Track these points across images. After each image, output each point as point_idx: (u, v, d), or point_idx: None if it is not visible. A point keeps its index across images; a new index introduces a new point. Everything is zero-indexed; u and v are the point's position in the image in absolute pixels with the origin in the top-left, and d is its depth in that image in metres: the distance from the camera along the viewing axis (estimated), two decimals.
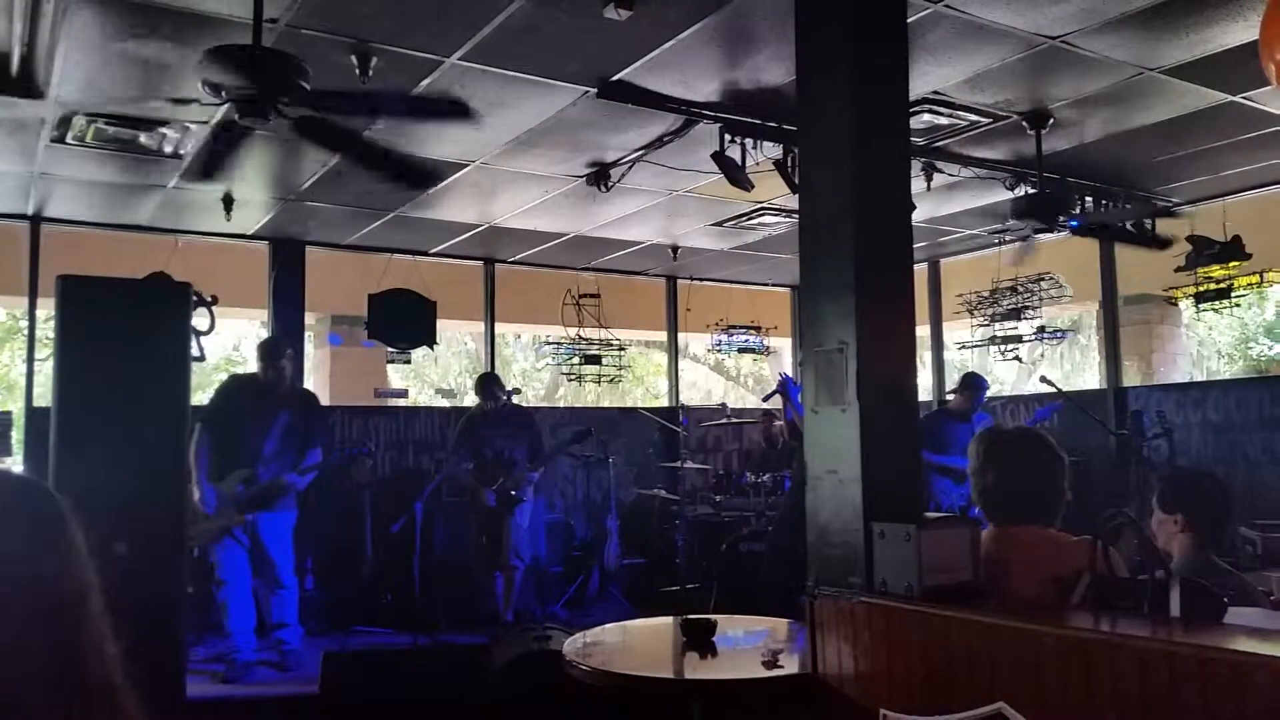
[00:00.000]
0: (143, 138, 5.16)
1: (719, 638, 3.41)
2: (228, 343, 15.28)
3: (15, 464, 6.86)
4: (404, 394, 8.65)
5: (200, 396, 6.15)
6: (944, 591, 2.39)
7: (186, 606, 4.37)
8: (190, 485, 5.39)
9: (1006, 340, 7.87)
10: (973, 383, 7.14)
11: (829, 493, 2.76)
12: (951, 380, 8.61)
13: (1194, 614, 2.13)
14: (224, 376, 15.07)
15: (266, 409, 5.70)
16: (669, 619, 3.90)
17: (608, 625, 3.86)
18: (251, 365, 5.99)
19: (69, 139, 5.15)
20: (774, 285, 9.93)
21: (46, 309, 5.98)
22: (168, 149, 5.34)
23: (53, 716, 0.99)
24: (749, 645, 3.58)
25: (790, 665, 3.02)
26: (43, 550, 1.07)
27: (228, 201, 6.32)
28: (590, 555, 7.59)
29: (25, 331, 6.88)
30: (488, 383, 6.90)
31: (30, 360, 6.71)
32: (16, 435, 6.68)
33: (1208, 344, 15.82)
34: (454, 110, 4.62)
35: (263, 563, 5.64)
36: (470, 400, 7.24)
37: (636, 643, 3.78)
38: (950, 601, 2.34)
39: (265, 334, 7.66)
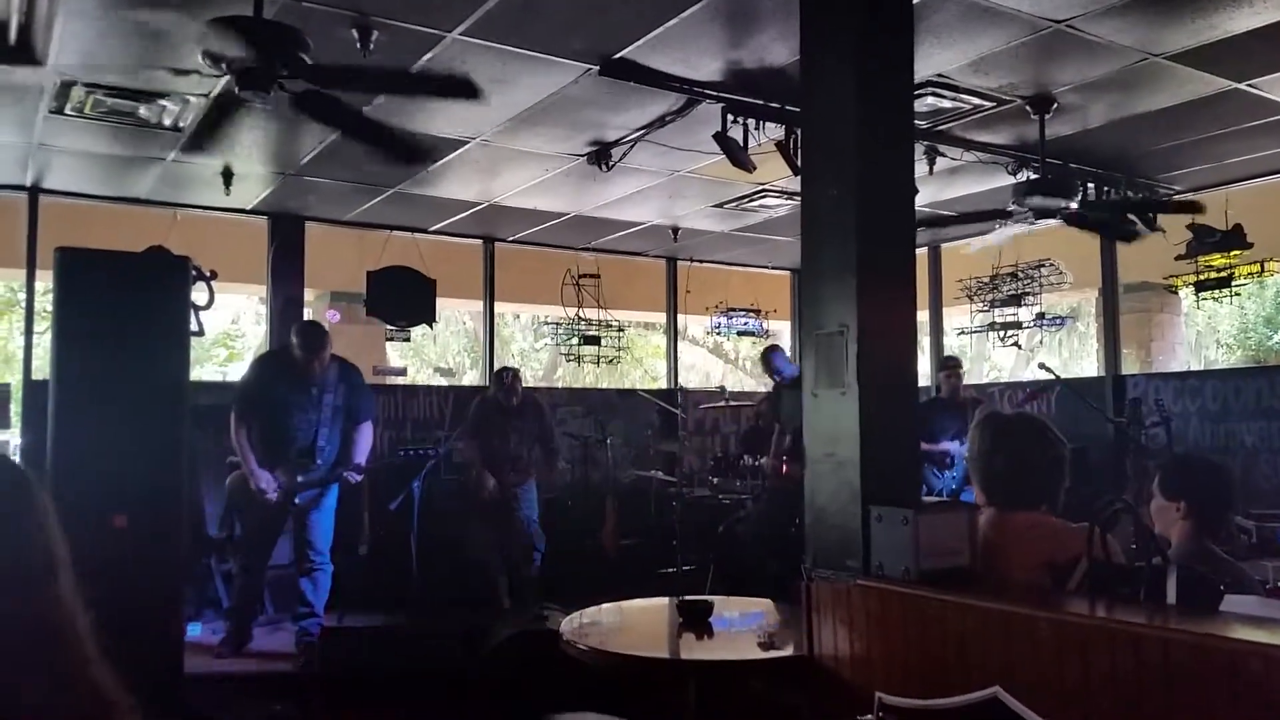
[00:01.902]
0: (142, 109, 5.13)
1: (715, 619, 3.42)
2: (226, 318, 15.24)
3: (14, 436, 6.86)
4: (403, 372, 8.65)
5: (199, 371, 6.11)
6: (940, 575, 2.40)
7: (186, 579, 4.38)
8: (244, 472, 5.39)
9: (1006, 326, 7.87)
10: (949, 362, 7.29)
11: (827, 475, 2.76)
12: None
13: (1190, 601, 2.13)
14: (221, 352, 15.15)
15: (311, 393, 5.53)
16: (665, 600, 3.92)
17: (604, 605, 3.87)
18: (250, 343, 5.92)
19: (68, 110, 5.12)
20: (774, 268, 9.91)
21: (45, 281, 5.96)
22: (167, 121, 5.31)
23: (23, 693, 0.98)
24: (745, 627, 3.60)
25: (786, 647, 3.04)
26: (9, 523, 1.06)
27: (227, 176, 6.29)
28: (587, 536, 7.60)
29: (23, 304, 6.86)
30: (506, 374, 6.83)
31: (29, 332, 6.69)
32: (15, 408, 6.67)
33: (1207, 333, 15.82)
34: (460, 88, 4.56)
35: (301, 543, 5.57)
36: (469, 380, 7.23)
37: (633, 623, 3.79)
38: (946, 585, 2.35)
39: (264, 310, 7.64)
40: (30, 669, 0.99)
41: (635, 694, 3.36)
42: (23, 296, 6.89)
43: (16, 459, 6.56)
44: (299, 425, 5.50)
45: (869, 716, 2.37)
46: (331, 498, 5.69)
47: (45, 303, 7.44)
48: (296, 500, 5.50)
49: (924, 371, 8.81)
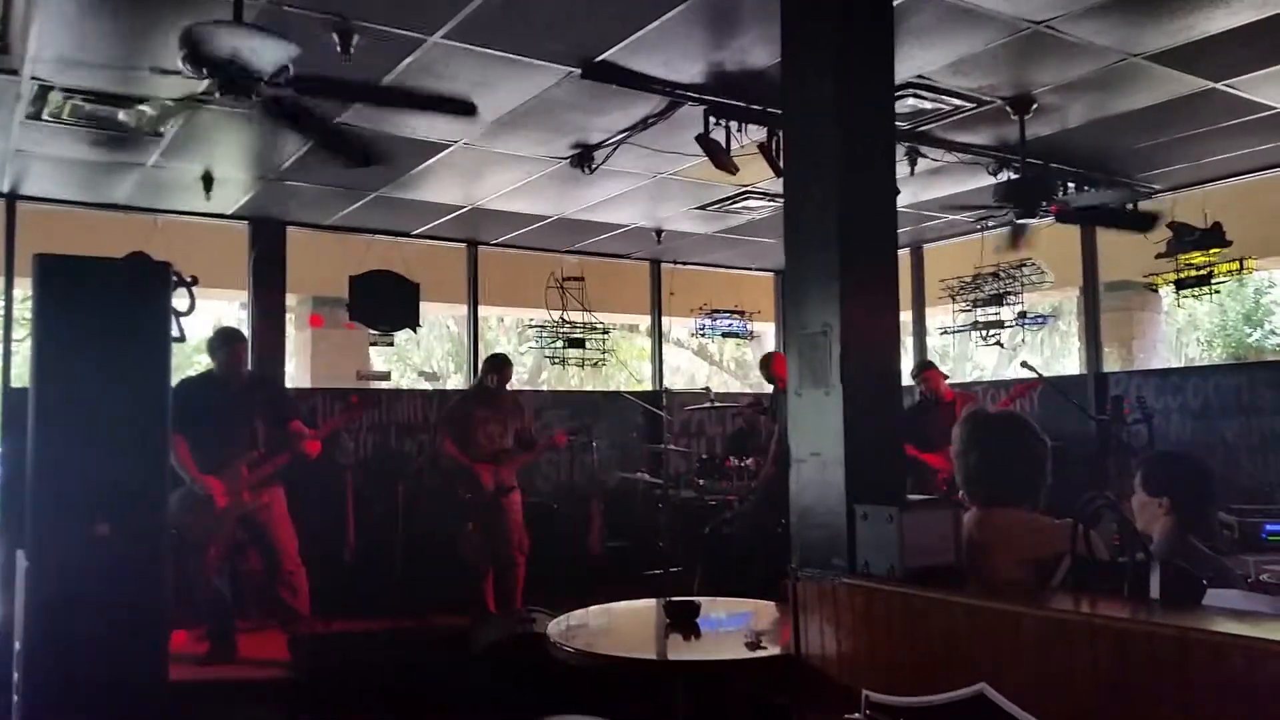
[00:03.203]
0: (121, 114, 5.09)
1: (702, 619, 3.42)
2: (207, 324, 15.13)
3: None
4: (387, 376, 8.61)
5: (180, 379, 6.05)
6: (926, 573, 2.41)
7: (169, 588, 4.34)
8: (189, 485, 5.35)
9: (988, 326, 7.91)
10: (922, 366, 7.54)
11: (812, 475, 2.77)
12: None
13: (1174, 596, 2.15)
14: (203, 359, 15.02)
15: (238, 400, 5.62)
16: (652, 601, 3.92)
17: (591, 607, 3.87)
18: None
19: (45, 115, 5.07)
20: (757, 270, 9.93)
21: (24, 288, 5.90)
22: (146, 126, 5.27)
23: None
24: (732, 627, 3.60)
25: (773, 646, 3.04)
26: None
27: (207, 181, 6.25)
28: (573, 538, 7.59)
29: (2, 311, 6.80)
30: (496, 364, 6.77)
31: (7, 340, 6.63)
32: None
33: (1187, 330, 15.96)
34: (455, 106, 4.51)
35: (269, 554, 5.60)
36: (453, 384, 7.19)
37: (620, 624, 3.79)
38: (932, 583, 2.36)
39: (245, 316, 7.61)
40: None
41: (623, 695, 3.36)
42: (1, 304, 6.83)
43: None
44: (231, 430, 5.56)
45: (856, 715, 2.38)
46: (281, 503, 5.68)
47: (24, 310, 7.37)
48: (247, 500, 5.48)
49: (906, 371, 8.84)
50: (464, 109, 4.30)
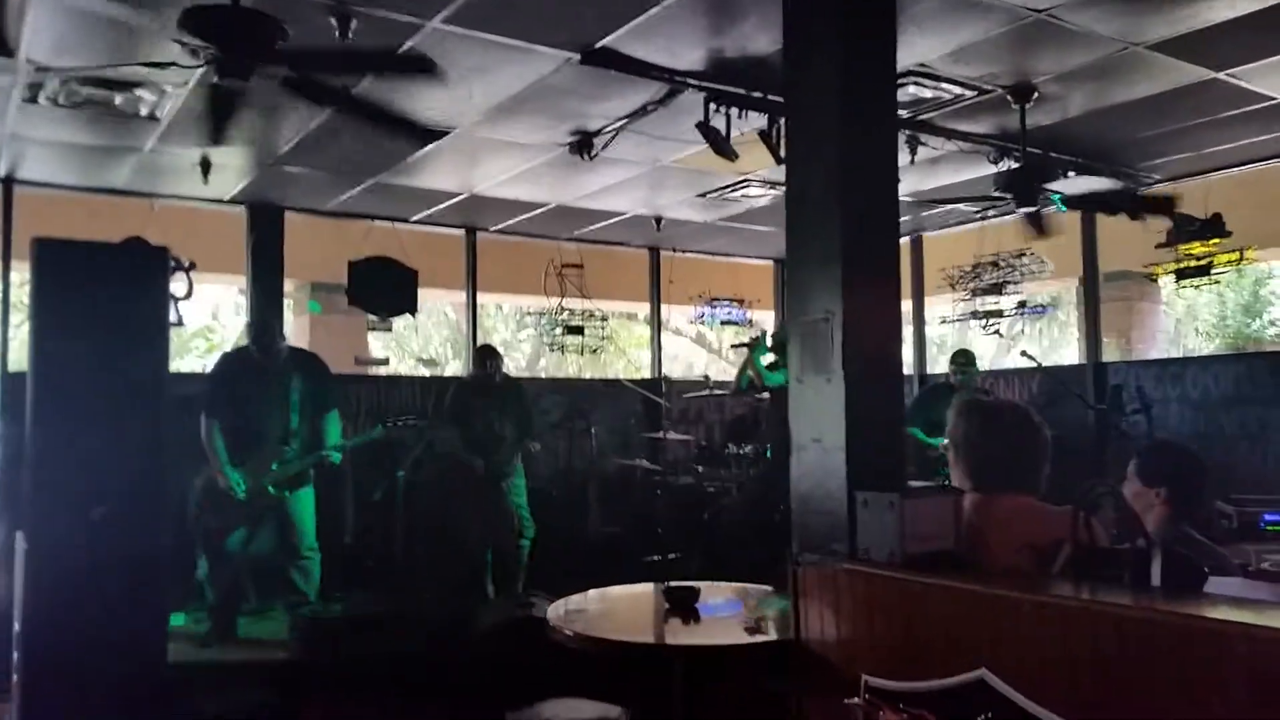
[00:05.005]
0: (118, 99, 5.06)
1: (701, 604, 3.43)
2: (206, 309, 15.12)
3: None
4: (385, 362, 8.60)
5: (178, 363, 6.09)
6: (926, 559, 2.41)
7: (168, 570, 4.34)
8: (214, 474, 5.42)
9: (987, 315, 7.90)
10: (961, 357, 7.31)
11: (813, 461, 2.77)
12: (933, 353, 8.67)
13: (1175, 583, 2.15)
14: (200, 343, 15.02)
15: (276, 385, 5.62)
16: (651, 586, 3.93)
17: (590, 592, 3.88)
18: (230, 334, 5.94)
19: (41, 99, 5.05)
20: (757, 258, 9.92)
21: (21, 273, 5.90)
22: (143, 111, 5.25)
23: None
24: (731, 612, 3.61)
25: (772, 632, 3.05)
26: None
27: (205, 165, 6.23)
28: (572, 524, 7.60)
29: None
30: (487, 354, 6.83)
31: (4, 324, 6.61)
32: None
33: (1186, 321, 15.95)
34: (422, 67, 4.47)
35: (287, 535, 5.65)
36: (451, 370, 7.20)
37: (620, 609, 3.80)
38: (932, 569, 2.36)
39: (244, 301, 7.59)
40: None
41: (622, 680, 3.37)
42: None
43: None
44: (266, 418, 5.58)
45: (855, 700, 2.39)
46: (309, 486, 5.72)
47: (22, 294, 7.36)
48: (270, 490, 5.51)
49: (906, 359, 8.84)
50: (424, 66, 4.23)
